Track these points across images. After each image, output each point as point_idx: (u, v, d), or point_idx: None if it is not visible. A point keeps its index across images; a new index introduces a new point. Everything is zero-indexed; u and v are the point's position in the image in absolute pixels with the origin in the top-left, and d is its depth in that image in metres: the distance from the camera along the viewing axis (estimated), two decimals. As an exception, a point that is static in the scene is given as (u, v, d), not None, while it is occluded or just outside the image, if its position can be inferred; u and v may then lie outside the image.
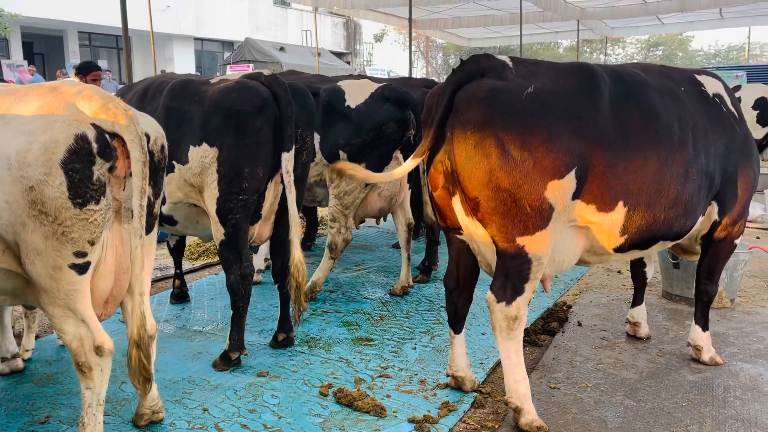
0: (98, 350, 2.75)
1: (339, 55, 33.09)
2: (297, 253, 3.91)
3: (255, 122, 3.83)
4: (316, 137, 5.11)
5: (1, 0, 20.12)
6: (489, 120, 3.08)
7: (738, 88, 12.64)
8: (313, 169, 5.18)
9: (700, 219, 3.70)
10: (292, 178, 3.89)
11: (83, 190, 2.57)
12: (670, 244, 3.78)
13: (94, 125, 2.60)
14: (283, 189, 3.99)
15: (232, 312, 3.98)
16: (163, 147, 3.01)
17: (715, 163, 3.59)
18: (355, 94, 5.14)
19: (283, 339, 4.29)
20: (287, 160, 3.86)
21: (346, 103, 5.11)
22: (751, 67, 22.87)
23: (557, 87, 3.19)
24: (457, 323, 3.68)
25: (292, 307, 4.02)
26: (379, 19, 17.43)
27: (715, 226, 3.83)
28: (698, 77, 3.84)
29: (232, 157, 3.81)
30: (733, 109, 3.80)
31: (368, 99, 5.11)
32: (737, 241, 3.98)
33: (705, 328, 4.06)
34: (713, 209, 3.77)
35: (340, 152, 5.08)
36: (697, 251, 4.09)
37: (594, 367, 4.00)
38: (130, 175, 2.77)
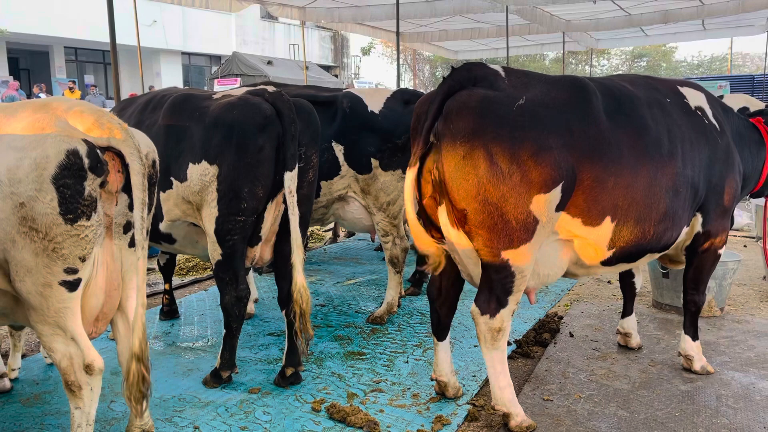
0: (88, 369, 2.71)
1: (327, 68, 33.20)
2: (300, 278, 3.68)
3: (256, 140, 3.68)
4: (340, 149, 4.97)
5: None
6: (479, 130, 3.04)
7: (721, 98, 12.79)
8: (338, 182, 5.04)
9: (685, 230, 3.73)
10: (296, 198, 3.69)
11: (74, 205, 2.54)
12: (657, 255, 3.81)
13: (85, 140, 2.58)
14: (286, 209, 3.80)
15: (224, 331, 3.92)
16: (154, 162, 3.00)
17: (699, 175, 3.62)
18: (374, 99, 5.03)
19: (291, 374, 3.93)
20: (290, 179, 3.68)
21: (369, 109, 4.98)
22: (733, 77, 23.23)
23: (548, 99, 3.17)
24: (440, 331, 3.70)
25: (298, 336, 3.75)
26: (366, 32, 17.47)
27: (698, 236, 3.87)
28: (681, 89, 3.87)
29: (233, 175, 3.68)
30: (714, 121, 3.83)
31: (388, 102, 5.01)
32: (721, 251, 4.02)
33: (695, 337, 4.08)
34: (697, 220, 3.81)
35: (372, 160, 4.94)
36: (683, 261, 4.12)
37: (587, 378, 4.01)
38: (121, 190, 2.76)
